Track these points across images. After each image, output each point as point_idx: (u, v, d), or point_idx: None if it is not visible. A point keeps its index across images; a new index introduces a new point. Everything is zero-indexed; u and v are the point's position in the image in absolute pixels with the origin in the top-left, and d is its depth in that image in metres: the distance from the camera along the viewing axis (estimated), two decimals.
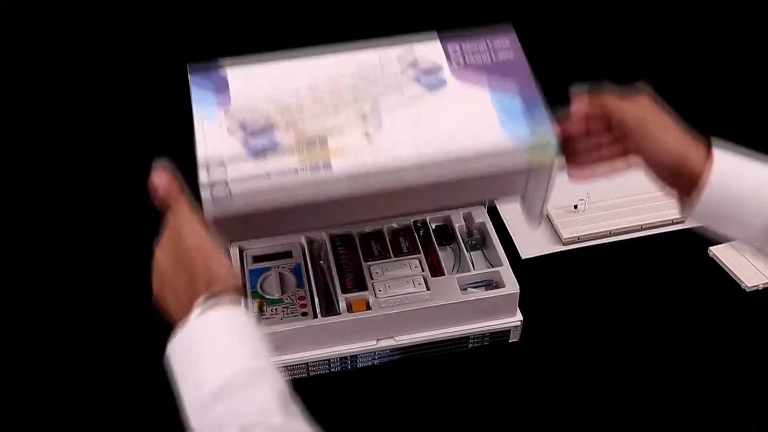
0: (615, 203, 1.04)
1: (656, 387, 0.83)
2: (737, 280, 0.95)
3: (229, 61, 0.68)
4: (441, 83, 0.69)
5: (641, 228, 1.02)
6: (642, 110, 0.67)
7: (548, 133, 0.68)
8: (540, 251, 0.97)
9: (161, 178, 0.61)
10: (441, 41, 0.72)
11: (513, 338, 0.87)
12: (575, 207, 1.04)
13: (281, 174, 0.63)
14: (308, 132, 0.64)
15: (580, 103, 0.69)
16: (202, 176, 0.62)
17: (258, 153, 0.63)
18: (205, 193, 0.63)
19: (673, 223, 1.03)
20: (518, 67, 0.71)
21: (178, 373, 0.57)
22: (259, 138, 0.63)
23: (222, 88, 0.65)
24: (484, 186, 0.73)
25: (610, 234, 1.01)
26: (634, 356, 0.86)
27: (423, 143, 0.66)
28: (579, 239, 1.00)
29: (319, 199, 0.65)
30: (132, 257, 0.99)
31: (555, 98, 0.71)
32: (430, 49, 0.71)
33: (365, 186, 0.66)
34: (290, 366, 0.82)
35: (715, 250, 0.98)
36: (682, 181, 0.66)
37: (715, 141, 0.65)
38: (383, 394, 0.83)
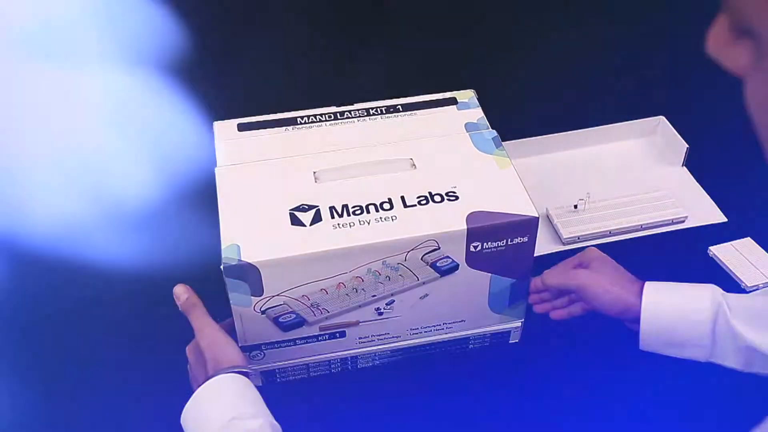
0: (615, 203, 1.04)
1: (656, 387, 0.83)
2: (737, 280, 0.95)
3: (266, 260, 0.72)
4: (454, 268, 0.77)
5: (641, 228, 1.02)
6: (578, 278, 0.78)
7: (521, 312, 0.84)
8: (540, 251, 0.97)
9: (182, 292, 0.75)
10: (468, 233, 0.75)
11: (513, 339, 0.87)
12: (575, 207, 1.04)
13: (304, 340, 0.80)
14: (330, 310, 0.78)
15: (534, 283, 0.82)
16: (242, 350, 0.75)
17: (286, 328, 0.78)
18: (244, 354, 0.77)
19: (673, 223, 1.03)
20: (525, 252, 0.78)
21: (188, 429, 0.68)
22: (287, 317, 0.77)
23: (255, 281, 0.73)
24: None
25: (610, 234, 1.01)
26: (634, 356, 0.86)
27: (423, 320, 0.82)
28: (579, 239, 1.01)
29: (334, 352, 0.83)
30: (130, 257, 1.00)
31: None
32: (453, 237, 0.75)
33: (373, 347, 0.83)
34: (291, 367, 0.82)
35: (715, 250, 0.98)
36: (630, 320, 0.76)
37: (648, 282, 0.74)
38: (383, 395, 0.83)
